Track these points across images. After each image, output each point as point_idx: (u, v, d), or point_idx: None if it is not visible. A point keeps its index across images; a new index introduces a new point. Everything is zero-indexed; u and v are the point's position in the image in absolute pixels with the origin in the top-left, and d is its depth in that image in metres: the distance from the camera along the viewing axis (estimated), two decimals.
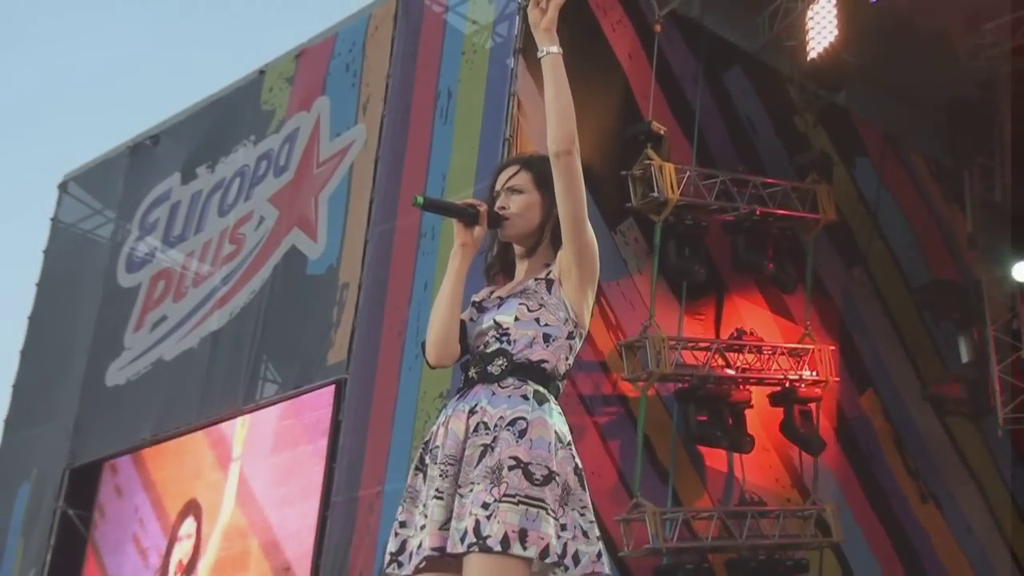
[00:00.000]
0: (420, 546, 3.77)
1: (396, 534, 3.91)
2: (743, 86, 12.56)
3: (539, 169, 4.03)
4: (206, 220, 13.86)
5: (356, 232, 11.97)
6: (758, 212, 11.66)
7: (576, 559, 3.70)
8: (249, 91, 13.94)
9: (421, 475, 3.90)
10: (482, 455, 3.70)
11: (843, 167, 13.08)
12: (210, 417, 12.73)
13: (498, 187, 4.07)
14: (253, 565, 11.82)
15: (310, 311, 12.16)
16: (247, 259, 13.12)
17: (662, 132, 11.30)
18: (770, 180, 11.89)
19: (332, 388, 11.58)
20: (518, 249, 4.06)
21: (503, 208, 4.00)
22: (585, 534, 3.75)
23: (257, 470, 12.22)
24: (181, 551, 12.66)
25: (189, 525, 12.70)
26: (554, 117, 3.82)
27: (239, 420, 12.51)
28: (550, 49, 3.87)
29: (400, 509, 3.91)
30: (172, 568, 12.66)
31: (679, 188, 11.17)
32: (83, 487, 13.89)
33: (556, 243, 3.97)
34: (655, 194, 11.05)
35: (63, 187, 16.08)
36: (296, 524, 11.55)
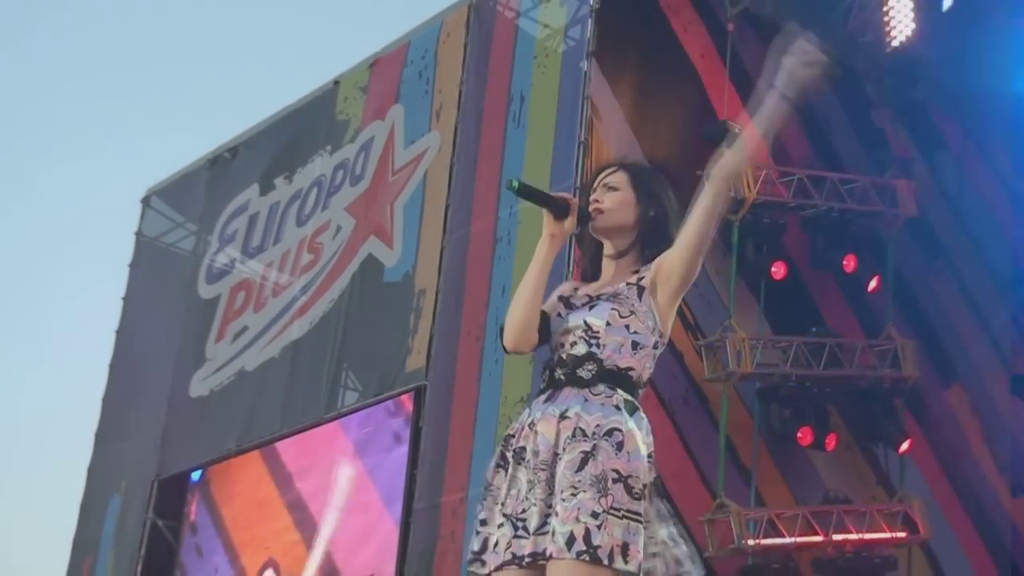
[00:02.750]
0: (498, 544, 3.82)
1: (478, 532, 3.95)
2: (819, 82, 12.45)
3: (636, 172, 4.19)
4: (284, 230, 13.97)
5: (431, 238, 12.02)
6: (836, 209, 11.60)
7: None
8: (324, 101, 14.04)
9: (503, 472, 3.95)
10: (584, 461, 3.74)
11: (923, 161, 12.95)
12: (293, 426, 12.81)
13: (595, 185, 4.17)
14: None
15: (388, 318, 12.23)
16: (325, 268, 13.20)
17: (737, 130, 11.19)
18: (848, 176, 11.82)
19: (412, 394, 11.63)
20: (608, 249, 4.11)
21: (597, 201, 4.09)
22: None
23: (337, 479, 12.30)
24: None
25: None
26: (743, 146, 4.07)
27: (317, 431, 12.60)
28: (787, 94, 4.05)
29: (480, 507, 3.98)
30: None
31: (756, 186, 11.14)
32: (171, 498, 14.03)
33: (646, 249, 4.07)
34: (732, 193, 10.97)
35: (146, 201, 16.26)
36: (378, 532, 11.60)
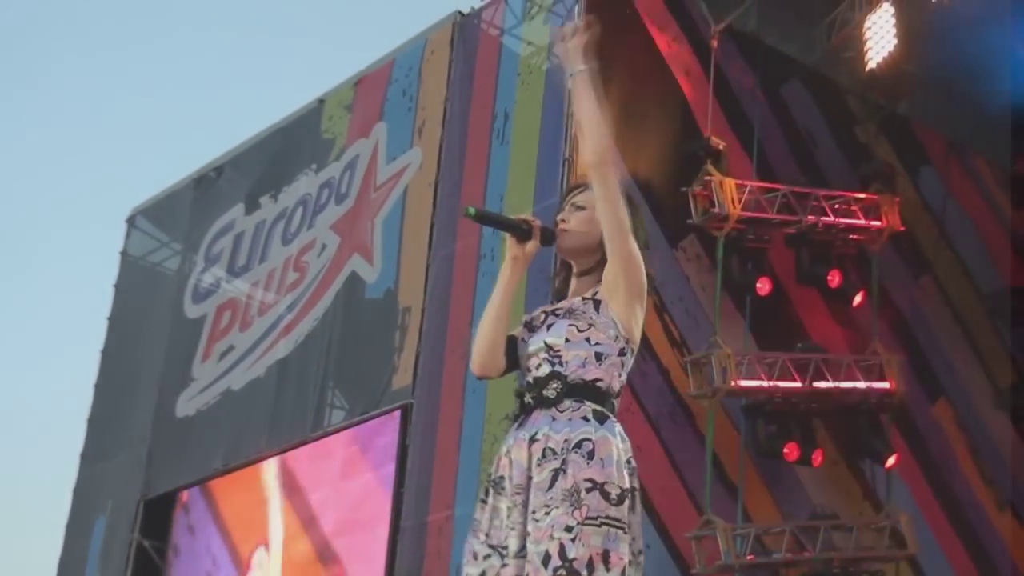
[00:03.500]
0: (484, 575, 3.77)
1: (468, 572, 3.90)
2: (802, 99, 12.51)
3: None
4: (270, 249, 13.96)
5: (414, 255, 12.02)
6: (821, 224, 11.58)
7: None
8: (309, 120, 14.04)
9: (484, 505, 3.90)
10: (554, 479, 3.69)
11: (907, 176, 13.00)
12: (280, 445, 12.78)
13: (563, 204, 4.10)
14: None
15: (372, 336, 12.22)
16: (310, 287, 13.18)
17: (721, 147, 11.29)
18: (832, 192, 11.81)
19: (398, 413, 11.61)
20: (575, 267, 4.06)
21: (563, 221, 4.02)
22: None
23: (325, 498, 12.25)
24: None
25: (261, 555, 12.75)
26: (586, 129, 3.90)
27: (306, 449, 12.55)
28: (579, 68, 3.95)
29: (468, 544, 3.89)
30: None
31: (740, 203, 11.13)
32: (157, 518, 13.97)
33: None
34: (716, 209, 11.02)
35: (131, 221, 16.21)
36: (365, 551, 11.56)
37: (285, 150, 14.24)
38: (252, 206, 14.44)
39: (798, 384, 11.24)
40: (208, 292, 14.66)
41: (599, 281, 3.97)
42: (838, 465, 11.80)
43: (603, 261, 3.97)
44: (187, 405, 14.23)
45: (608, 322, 3.89)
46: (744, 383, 10.96)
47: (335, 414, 12.35)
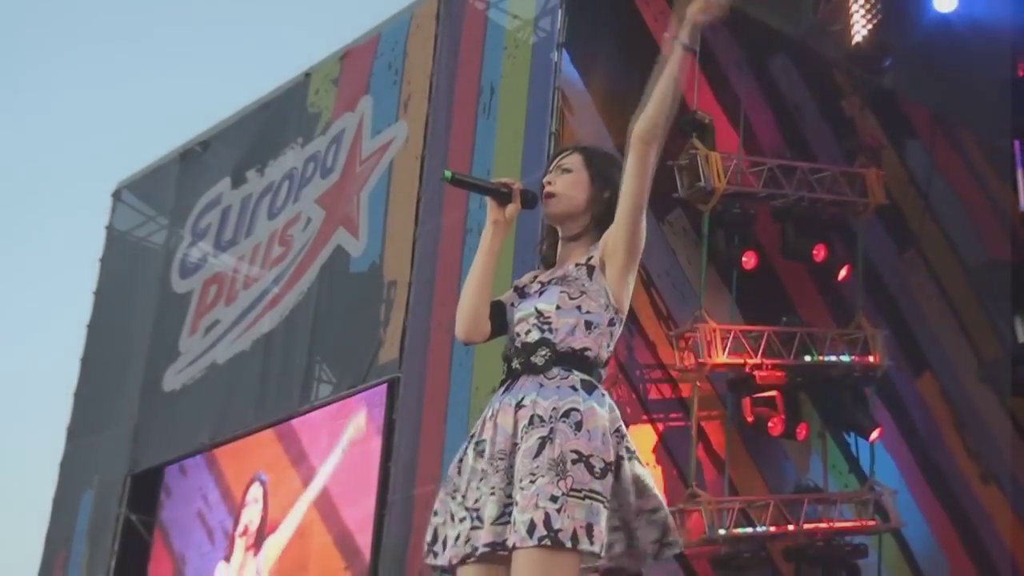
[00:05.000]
0: (459, 538, 3.79)
1: (431, 523, 3.93)
2: (788, 72, 12.48)
3: (591, 153, 4.13)
4: (256, 223, 13.97)
5: (399, 229, 12.04)
6: (807, 198, 11.59)
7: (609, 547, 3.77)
8: (296, 94, 14.04)
9: (463, 465, 3.94)
10: (541, 446, 3.69)
11: (892, 150, 12.99)
12: (267, 420, 12.79)
13: (551, 167, 4.12)
14: (320, 559, 11.87)
15: (357, 310, 12.24)
16: (295, 260, 13.20)
17: (707, 121, 11.28)
18: (818, 165, 11.82)
19: (385, 387, 11.62)
20: (562, 232, 4.07)
21: (549, 184, 4.04)
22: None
23: (314, 469, 12.28)
24: (248, 516, 12.76)
25: (256, 490, 12.79)
26: (653, 101, 3.92)
27: (296, 421, 12.57)
28: (684, 41, 3.97)
29: (436, 499, 3.89)
30: (240, 531, 12.76)
31: (726, 176, 11.11)
32: (145, 493, 13.97)
33: (601, 230, 4.00)
34: (702, 183, 11.01)
35: (117, 195, 16.20)
36: (355, 523, 11.59)
37: (271, 124, 14.24)
38: (238, 180, 14.44)
39: (783, 358, 11.25)
40: (195, 267, 14.66)
41: (591, 246, 3.98)
42: (822, 438, 11.81)
43: (591, 226, 4.00)
44: (174, 379, 14.24)
45: (600, 290, 3.89)
46: (730, 358, 10.98)
47: (322, 388, 12.36)
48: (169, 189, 15.38)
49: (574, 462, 3.67)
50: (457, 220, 11.38)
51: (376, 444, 11.56)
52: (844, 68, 12.58)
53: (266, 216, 13.85)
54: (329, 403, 12.25)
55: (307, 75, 14.02)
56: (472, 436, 3.94)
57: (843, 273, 12.01)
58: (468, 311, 4.05)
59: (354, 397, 11.98)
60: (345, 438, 12.01)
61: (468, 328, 4.07)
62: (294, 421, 12.55)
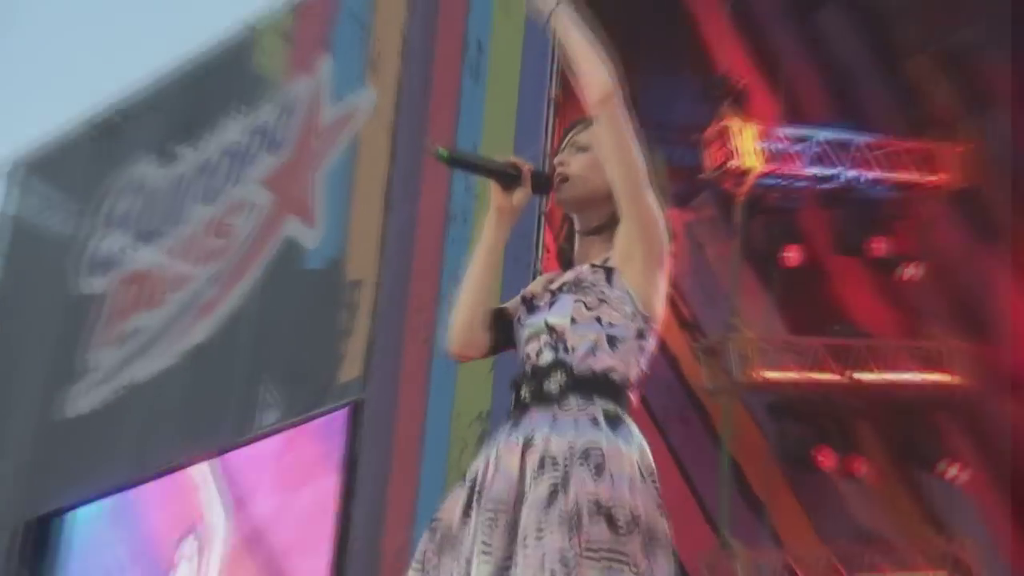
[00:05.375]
0: None
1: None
2: (840, 25, 12.59)
3: None
4: (188, 210, 14.12)
5: (365, 217, 12.22)
6: (863, 179, 11.81)
7: None
8: (239, 52, 14.18)
9: (468, 523, 3.82)
10: (552, 495, 3.64)
11: (970, 121, 13.03)
12: (198, 451, 12.90)
13: (562, 145, 4.04)
14: None
15: (313, 317, 12.42)
16: (237, 255, 13.38)
17: (740, 86, 11.43)
18: (878, 140, 12.02)
19: (346, 412, 11.76)
20: (578, 224, 4.03)
21: (562, 165, 3.97)
22: None
23: (258, 513, 12.42)
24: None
25: (190, 546, 12.89)
26: (583, 66, 3.87)
27: (231, 456, 12.72)
28: (551, 5, 3.95)
29: (415, 555, 3.85)
30: None
31: (764, 154, 11.33)
32: (41, 544, 14.00)
33: None
34: (735, 162, 11.21)
35: (12, 175, 16.23)
36: None
37: (208, 88, 14.37)
38: (166, 157, 14.60)
39: (836, 376, 11.50)
40: (109, 262, 14.80)
41: (610, 241, 3.93)
42: (886, 476, 11.98)
43: (615, 216, 3.91)
44: (80, 402, 14.36)
45: (623, 295, 3.85)
46: (769, 374, 11.23)
47: (267, 413, 12.51)
48: (79, 167, 15.49)
49: (592, 514, 3.60)
50: (437, 206, 11.55)
51: (334, 482, 11.70)
52: (910, 19, 12.68)
53: (201, 201, 14.02)
54: (276, 431, 12.40)
55: (252, 29, 14.16)
56: (471, 480, 3.83)
57: (909, 271, 12.19)
58: (463, 320, 4.01)
59: (308, 424, 12.15)
60: (296, 475, 12.15)
61: (462, 340, 4.01)
62: (233, 454, 12.69)
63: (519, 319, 3.95)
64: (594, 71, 3.85)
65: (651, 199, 3.82)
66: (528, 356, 3.87)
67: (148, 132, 14.94)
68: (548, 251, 10.20)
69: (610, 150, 3.82)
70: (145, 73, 15.23)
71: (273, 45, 13.90)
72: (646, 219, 3.83)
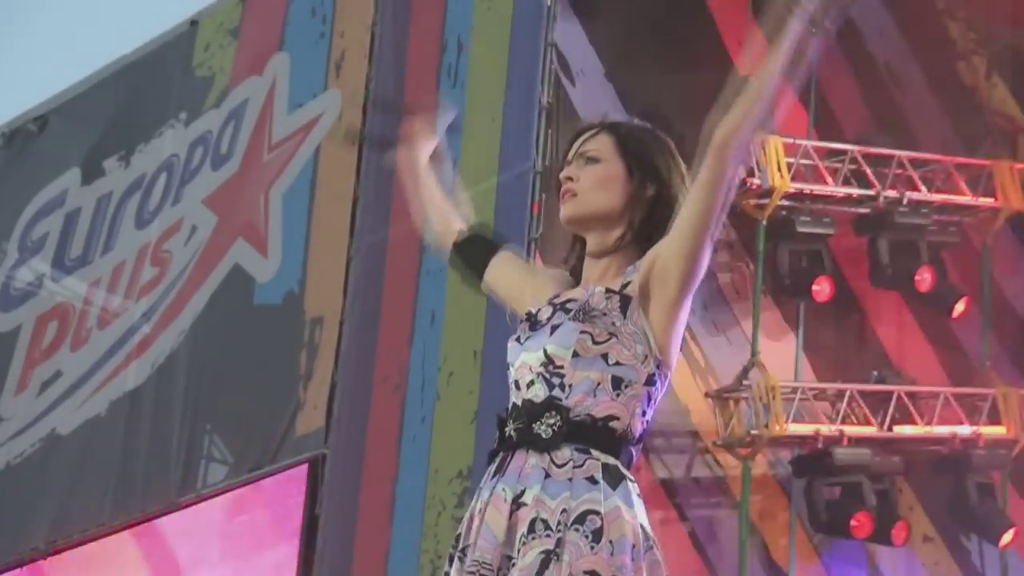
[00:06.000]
0: None
1: None
2: (880, 22, 12.85)
3: (626, 132, 4.21)
4: (118, 234, 14.43)
5: (329, 245, 12.54)
6: (908, 201, 12.08)
7: None
8: (177, 49, 14.48)
9: None
10: (544, 565, 3.81)
11: None
12: (132, 514, 13.23)
13: (569, 156, 4.19)
14: None
15: (266, 358, 12.78)
16: (175, 286, 13.68)
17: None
18: (924, 155, 12.32)
19: (305, 468, 12.09)
20: (590, 244, 4.16)
21: (570, 180, 4.12)
22: None
23: None
24: None
25: None
26: (751, 93, 4.02)
27: (171, 520, 13.06)
28: (805, 8, 4.06)
29: None
30: None
31: (791, 170, 11.65)
32: None
33: (641, 244, 4.09)
34: (756, 180, 11.53)
35: None
36: None
37: (141, 93, 14.70)
38: (92, 173, 14.90)
39: (873, 428, 11.84)
40: (24, 295, 15.13)
41: (627, 266, 4.08)
42: (932, 543, 12.36)
43: (628, 238, 4.09)
44: None
45: (637, 333, 4.00)
46: (795, 427, 11.54)
47: (213, 470, 12.88)
48: None
49: None
50: (411, 232, 11.37)
51: (291, 551, 12.05)
52: (963, 16, 12.98)
53: (133, 224, 14.35)
54: (223, 491, 12.74)
55: (193, 23, 14.46)
56: (456, 541, 4.03)
57: (961, 307, 12.43)
58: (438, 217, 4.50)
59: (260, 483, 12.52)
60: (246, 541, 12.51)
61: (433, 221, 4.50)
62: (172, 517, 13.04)
63: (518, 338, 4.10)
64: (747, 111, 3.98)
65: (708, 249, 3.99)
66: (517, 385, 4.05)
67: (71, 143, 15.21)
68: (539, 257, 10.49)
69: (703, 190, 3.95)
70: (68, 74, 15.62)
71: (217, 42, 14.19)
72: (698, 260, 3.99)
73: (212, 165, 13.85)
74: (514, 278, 4.30)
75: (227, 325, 13.28)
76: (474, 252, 4.38)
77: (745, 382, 11.57)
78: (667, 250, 3.97)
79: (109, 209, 14.67)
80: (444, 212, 4.47)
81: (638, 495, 3.95)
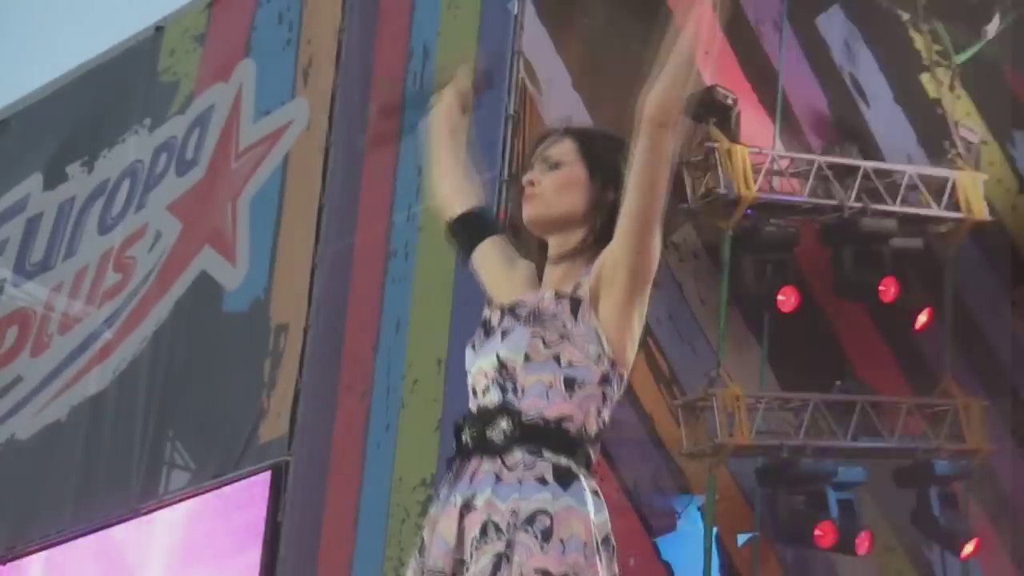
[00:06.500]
0: None
1: None
2: (846, 33, 12.93)
3: (588, 137, 4.28)
4: (80, 240, 14.49)
5: (295, 251, 12.58)
6: (871, 211, 12.09)
7: None
8: (142, 55, 14.54)
9: None
10: (496, 568, 3.85)
11: (996, 145, 13.27)
12: (91, 520, 13.25)
13: (532, 160, 4.27)
14: None
15: (231, 366, 12.81)
16: (138, 292, 13.73)
17: (730, 101, 11.72)
18: (888, 166, 12.36)
19: (268, 475, 12.13)
20: (551, 248, 4.21)
21: (531, 184, 4.18)
22: None
23: None
24: None
25: None
26: (668, 70, 4.04)
27: (131, 526, 13.08)
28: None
29: None
30: None
31: (757, 180, 11.65)
32: None
33: (602, 247, 4.11)
34: (722, 190, 11.51)
35: None
36: None
37: (105, 98, 14.75)
38: (55, 178, 14.96)
39: (837, 440, 11.85)
40: None
41: (581, 269, 4.12)
42: (893, 553, 12.39)
43: (589, 242, 4.13)
44: None
45: (589, 333, 4.02)
46: (759, 437, 11.57)
47: (176, 476, 12.93)
48: None
49: None
50: (377, 238, 12.00)
51: (253, 558, 12.07)
52: (928, 26, 13.00)
53: (96, 230, 14.41)
54: (185, 498, 12.78)
55: (158, 29, 14.52)
56: (420, 550, 4.09)
57: (923, 319, 12.48)
58: (451, 185, 4.56)
59: (222, 489, 12.54)
60: (209, 548, 12.53)
61: (444, 184, 4.57)
62: (131, 523, 13.08)
63: (473, 344, 4.17)
64: (670, 84, 4.03)
65: (657, 239, 4.04)
66: (474, 391, 4.10)
67: (33, 147, 15.30)
68: None
69: (642, 173, 4.00)
70: (31, 78, 15.55)
71: (183, 47, 14.26)
72: (646, 252, 4.03)
73: (177, 171, 13.90)
74: (494, 267, 4.34)
75: (192, 331, 13.33)
76: (469, 230, 4.44)
77: (710, 391, 11.50)
78: (613, 248, 4.02)
79: (72, 214, 14.73)
80: (458, 180, 4.52)
81: (595, 492, 3.96)
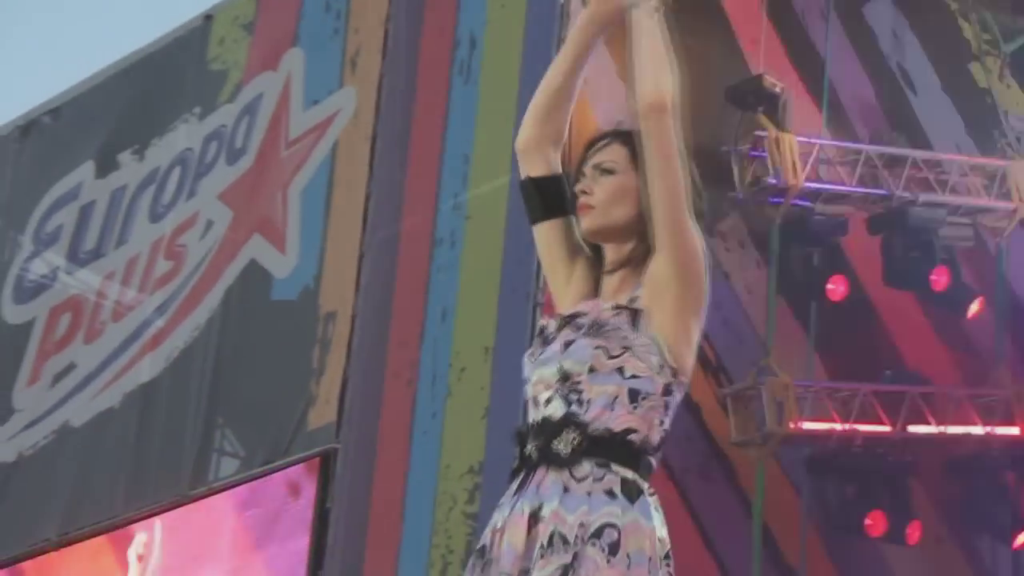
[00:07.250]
0: None
1: None
2: (893, 22, 12.92)
3: (638, 144, 4.15)
4: (132, 227, 14.54)
5: (343, 240, 12.62)
6: (921, 201, 12.10)
7: None
8: (192, 44, 14.57)
9: None
10: None
11: None
12: (142, 506, 13.35)
13: (582, 167, 4.20)
14: None
15: (280, 354, 12.84)
16: (190, 281, 13.77)
17: (778, 90, 11.75)
18: (939, 155, 12.38)
19: (316, 463, 12.18)
20: (607, 256, 4.20)
21: (585, 193, 4.14)
22: None
23: None
24: None
25: None
26: (647, 66, 4.09)
27: (182, 512, 13.14)
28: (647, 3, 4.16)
29: None
30: None
31: (805, 169, 11.67)
32: None
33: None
34: (771, 179, 11.57)
35: None
36: None
37: (156, 87, 14.78)
38: (107, 166, 14.96)
39: (887, 428, 11.84)
40: (39, 287, 15.21)
41: (638, 280, 4.10)
42: (944, 544, 12.36)
43: (641, 250, 4.11)
44: (5, 448, 14.76)
45: (649, 344, 4.01)
46: (809, 425, 11.59)
47: (225, 463, 12.99)
48: (3, 176, 15.89)
49: None
50: (422, 227, 12.01)
51: (301, 545, 12.13)
52: (976, 15, 13.04)
53: (147, 218, 14.44)
54: (235, 485, 12.85)
55: (207, 18, 14.55)
56: (481, 552, 4.05)
57: (975, 308, 12.48)
58: (542, 103, 4.34)
59: (272, 477, 12.59)
60: (257, 535, 12.60)
61: (534, 130, 4.30)
62: (183, 510, 13.12)
63: (532, 353, 4.14)
64: (655, 73, 4.08)
65: (692, 228, 4.02)
66: (536, 401, 4.06)
67: (85, 136, 15.29)
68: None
69: (655, 166, 4.02)
70: (81, 68, 15.57)
71: (232, 37, 14.29)
72: (685, 252, 4.02)
73: (227, 160, 13.94)
74: (558, 254, 4.28)
75: (242, 320, 13.37)
76: (544, 197, 4.29)
77: (759, 380, 11.51)
78: (657, 256, 4.01)
79: (123, 202, 14.75)
80: (553, 128, 4.32)
81: (657, 507, 3.97)
